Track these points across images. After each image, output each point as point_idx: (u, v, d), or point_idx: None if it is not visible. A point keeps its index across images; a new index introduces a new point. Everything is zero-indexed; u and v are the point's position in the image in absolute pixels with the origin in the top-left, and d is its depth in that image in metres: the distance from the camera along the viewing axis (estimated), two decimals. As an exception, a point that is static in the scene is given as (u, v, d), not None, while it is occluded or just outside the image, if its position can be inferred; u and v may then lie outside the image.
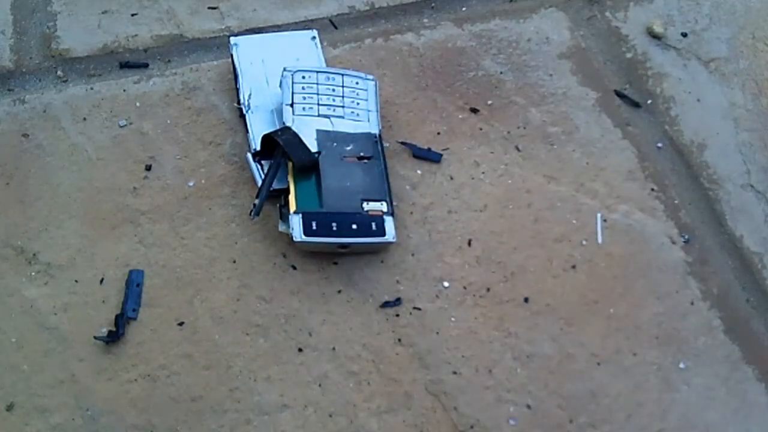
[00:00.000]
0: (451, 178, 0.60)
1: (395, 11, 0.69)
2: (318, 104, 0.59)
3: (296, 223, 0.53)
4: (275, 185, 0.56)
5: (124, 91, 0.63)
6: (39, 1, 0.68)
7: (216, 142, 0.61)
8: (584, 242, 0.58)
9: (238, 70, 0.61)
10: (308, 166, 0.55)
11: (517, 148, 0.62)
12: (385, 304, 0.55)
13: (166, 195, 0.59)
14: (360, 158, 0.57)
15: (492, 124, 0.63)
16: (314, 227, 0.53)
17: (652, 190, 0.61)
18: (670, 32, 0.69)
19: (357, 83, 0.60)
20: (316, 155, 0.56)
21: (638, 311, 0.56)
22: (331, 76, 0.60)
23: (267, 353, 0.53)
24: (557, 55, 0.67)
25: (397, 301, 0.55)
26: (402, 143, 0.61)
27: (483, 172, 0.61)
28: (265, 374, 0.53)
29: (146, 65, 0.65)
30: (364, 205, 0.55)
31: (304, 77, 0.59)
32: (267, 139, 0.56)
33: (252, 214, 0.55)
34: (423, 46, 0.67)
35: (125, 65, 0.65)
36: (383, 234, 0.54)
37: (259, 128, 0.59)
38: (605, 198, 0.60)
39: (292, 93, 0.58)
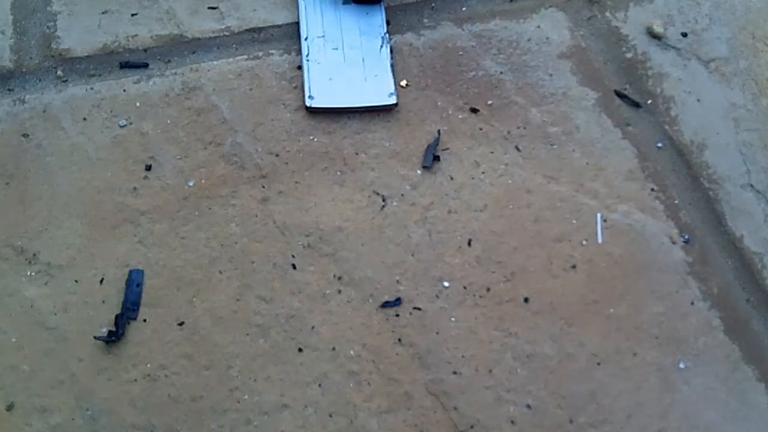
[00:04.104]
0: (451, 178, 0.60)
1: (395, 11, 0.69)
2: None
3: None
4: None
5: (124, 91, 0.63)
6: (39, 1, 0.68)
7: (216, 142, 0.61)
8: (584, 242, 0.58)
9: None
10: None
11: (517, 148, 0.62)
12: (385, 304, 0.55)
13: (166, 195, 0.59)
14: None
15: (492, 124, 0.63)
16: None
17: (652, 190, 0.61)
18: (670, 32, 0.69)
19: None
20: None
21: (638, 311, 0.56)
22: None
23: (267, 353, 0.53)
24: (557, 55, 0.67)
25: (397, 301, 0.55)
26: None
27: (483, 172, 0.61)
28: (265, 374, 0.53)
29: (146, 65, 0.65)
30: None
31: None
32: None
33: None
34: (423, 46, 0.67)
35: (125, 65, 0.65)
36: None
37: None
38: (605, 198, 0.60)
39: None
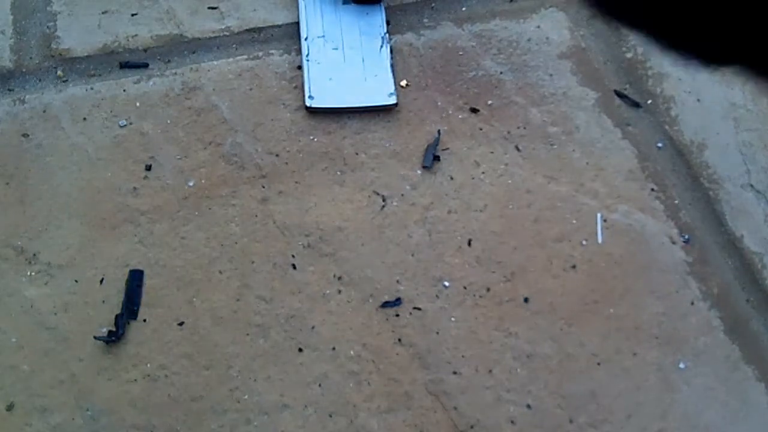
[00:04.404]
0: (451, 178, 0.60)
1: (395, 11, 0.69)
2: None
3: None
4: None
5: (124, 91, 0.63)
6: (39, 1, 0.68)
7: (216, 142, 0.61)
8: (584, 242, 0.58)
9: None
10: None
11: (517, 148, 0.62)
12: (385, 304, 0.55)
13: (166, 195, 0.59)
14: None
15: (492, 124, 0.63)
16: None
17: (652, 190, 0.61)
18: (670, 32, 0.69)
19: None
20: None
21: (638, 311, 0.56)
22: None
23: (267, 353, 0.53)
24: (557, 55, 0.67)
25: (397, 301, 0.55)
26: None
27: (483, 172, 0.61)
28: (265, 374, 0.53)
29: (146, 65, 0.65)
30: None
31: None
32: None
33: None
34: (423, 46, 0.67)
35: (125, 65, 0.65)
36: None
37: None
38: (605, 198, 0.60)
39: None
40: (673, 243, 0.59)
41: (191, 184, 0.59)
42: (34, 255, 0.56)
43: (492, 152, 0.62)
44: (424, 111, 0.64)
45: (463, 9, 0.70)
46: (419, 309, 0.55)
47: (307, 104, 0.62)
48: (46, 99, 0.63)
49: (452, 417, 0.52)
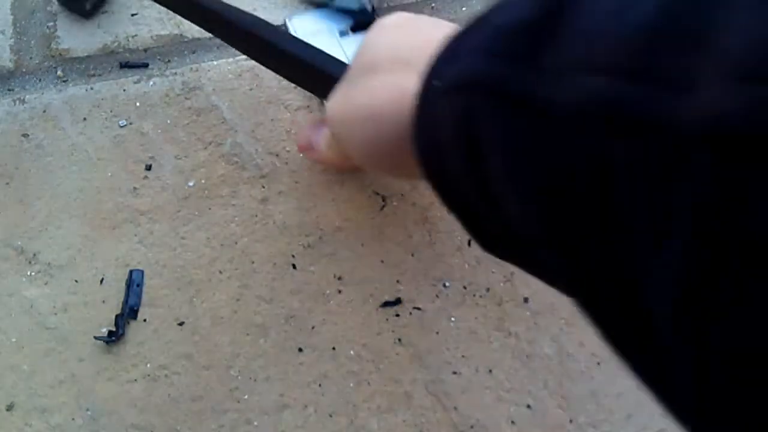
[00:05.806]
0: (451, 178, 0.60)
1: (395, 11, 0.69)
2: None
3: None
4: None
5: (124, 91, 0.63)
6: (39, 1, 0.68)
7: (216, 142, 0.61)
8: (584, 242, 0.58)
9: None
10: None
11: (517, 148, 0.62)
12: (385, 304, 0.55)
13: (166, 195, 0.59)
14: None
15: (492, 124, 0.63)
16: None
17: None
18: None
19: None
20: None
21: (638, 311, 0.56)
22: None
23: (267, 353, 0.53)
24: (557, 55, 0.67)
25: (397, 301, 0.55)
26: None
27: (483, 172, 0.61)
28: (265, 374, 0.53)
29: (146, 65, 0.65)
30: None
31: None
32: None
33: None
34: (423, 46, 0.67)
35: (125, 65, 0.65)
36: None
37: None
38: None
39: None
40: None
41: (191, 184, 0.59)
42: (34, 255, 0.56)
43: (492, 152, 0.62)
44: (424, 111, 0.64)
45: (464, 9, 0.70)
46: (419, 309, 0.55)
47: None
48: (46, 99, 0.63)
49: (452, 417, 0.52)
